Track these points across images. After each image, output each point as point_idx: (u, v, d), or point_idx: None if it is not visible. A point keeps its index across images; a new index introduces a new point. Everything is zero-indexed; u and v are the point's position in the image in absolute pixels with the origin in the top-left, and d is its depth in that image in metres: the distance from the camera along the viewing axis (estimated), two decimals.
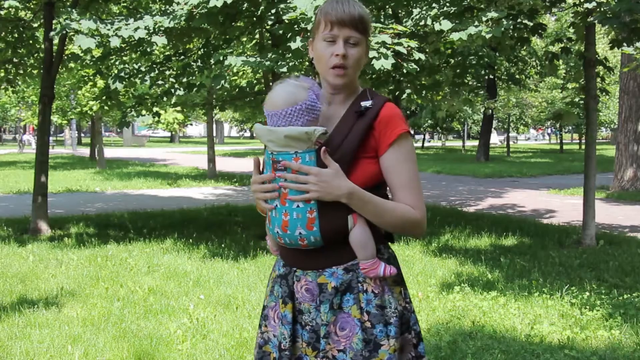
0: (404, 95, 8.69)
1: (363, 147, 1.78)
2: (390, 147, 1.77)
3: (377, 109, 1.79)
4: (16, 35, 9.07)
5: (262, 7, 6.53)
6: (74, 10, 6.76)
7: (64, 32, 6.41)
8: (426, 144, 47.42)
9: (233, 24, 7.17)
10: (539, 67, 20.13)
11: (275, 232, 1.80)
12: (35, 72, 9.96)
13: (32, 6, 8.72)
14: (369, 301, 1.78)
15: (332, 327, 1.77)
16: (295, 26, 5.99)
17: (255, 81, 11.60)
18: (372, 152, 1.79)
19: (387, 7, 7.18)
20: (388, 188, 1.84)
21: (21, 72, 10.05)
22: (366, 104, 1.79)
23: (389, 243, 1.92)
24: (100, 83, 10.10)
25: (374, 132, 1.78)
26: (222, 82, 6.42)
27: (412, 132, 1.84)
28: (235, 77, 11.81)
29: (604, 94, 7.61)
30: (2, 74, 9.85)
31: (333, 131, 1.80)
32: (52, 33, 6.71)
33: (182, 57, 7.99)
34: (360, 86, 1.91)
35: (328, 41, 1.78)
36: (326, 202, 1.72)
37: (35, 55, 9.65)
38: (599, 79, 7.61)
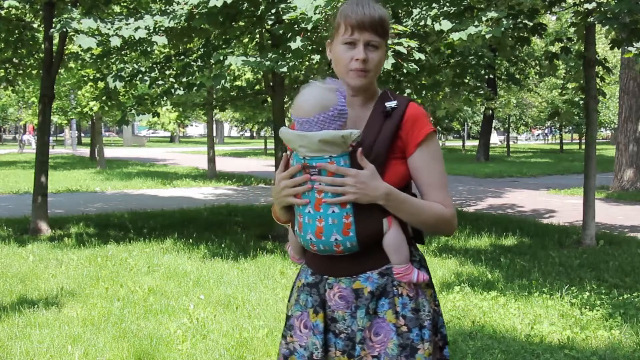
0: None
1: (391, 148, 1.76)
2: (419, 147, 1.76)
3: (402, 109, 1.77)
4: (17, 34, 9.06)
5: (262, 7, 6.52)
6: (74, 9, 6.76)
7: (64, 30, 6.41)
8: None
9: (233, 24, 7.16)
10: (537, 68, 20.13)
11: (307, 239, 1.75)
12: (35, 72, 9.96)
13: (33, 6, 8.71)
14: (404, 305, 1.76)
15: (367, 333, 1.75)
16: (295, 26, 5.98)
17: (254, 81, 11.60)
18: (399, 153, 1.77)
19: (387, 7, 7.18)
20: (416, 188, 1.84)
21: (21, 72, 10.05)
22: (391, 104, 1.77)
23: (418, 245, 1.92)
24: (101, 84, 10.10)
25: (401, 133, 1.77)
26: (222, 82, 6.41)
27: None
28: (237, 81, 11.81)
29: (600, 95, 7.61)
30: (2, 74, 9.86)
31: (363, 133, 1.77)
32: (52, 30, 6.71)
33: (182, 57, 7.99)
34: (379, 88, 1.89)
35: (348, 44, 1.76)
36: (362, 206, 1.69)
37: (35, 55, 9.65)
38: (598, 80, 7.61)
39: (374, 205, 1.70)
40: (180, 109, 14.65)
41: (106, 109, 9.36)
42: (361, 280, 1.76)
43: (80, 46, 6.45)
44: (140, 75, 7.36)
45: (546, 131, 57.97)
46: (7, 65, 9.74)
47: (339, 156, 1.68)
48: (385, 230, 1.73)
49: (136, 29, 6.24)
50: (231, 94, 10.40)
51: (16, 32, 9.06)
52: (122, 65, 7.78)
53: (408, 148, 1.77)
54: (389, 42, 5.88)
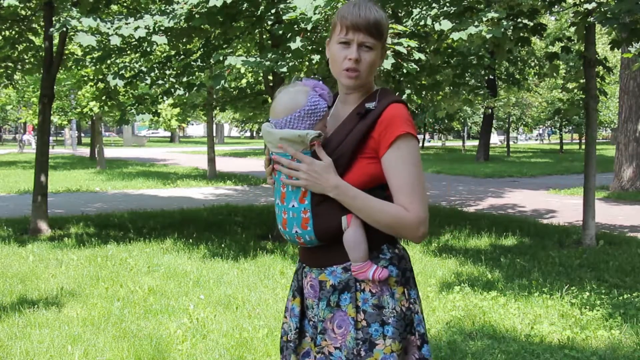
0: (404, 96, 8.68)
1: (361, 148, 1.79)
2: (390, 148, 1.77)
3: (379, 112, 1.79)
4: (16, 29, 9.05)
5: (262, 7, 6.52)
6: (74, 8, 6.76)
7: (64, 29, 6.40)
8: (426, 144, 47.45)
9: (233, 24, 7.16)
10: (536, 69, 20.15)
11: (279, 228, 1.90)
12: (34, 70, 9.96)
13: (32, 5, 8.71)
14: (365, 300, 1.80)
15: (328, 324, 1.82)
16: (295, 26, 5.98)
17: (255, 82, 11.60)
18: (372, 153, 1.79)
19: (387, 7, 7.18)
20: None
21: (19, 68, 10.06)
22: (370, 105, 1.80)
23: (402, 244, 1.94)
24: (101, 84, 10.12)
25: (374, 133, 1.78)
26: (222, 82, 6.41)
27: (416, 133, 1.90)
28: (240, 81, 11.79)
29: (602, 94, 7.61)
30: (1, 71, 9.86)
31: (333, 132, 1.84)
32: (52, 29, 6.71)
33: (182, 57, 7.98)
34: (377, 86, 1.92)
35: (343, 44, 1.81)
36: (320, 202, 1.79)
37: (34, 54, 9.65)
38: (598, 79, 7.60)
39: (333, 203, 1.78)
40: (183, 109, 14.65)
41: (106, 108, 9.36)
42: (326, 273, 1.85)
43: (80, 44, 6.44)
44: (141, 75, 7.35)
45: (541, 131, 57.77)
46: (7, 63, 9.74)
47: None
48: (344, 228, 1.79)
49: (136, 29, 6.24)
50: (231, 94, 10.39)
51: (16, 28, 9.05)
52: (122, 64, 7.77)
53: (380, 149, 1.78)
54: (389, 42, 5.90)
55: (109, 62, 8.18)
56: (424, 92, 9.06)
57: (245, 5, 6.66)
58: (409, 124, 1.79)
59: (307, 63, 8.02)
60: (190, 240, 7.71)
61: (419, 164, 1.81)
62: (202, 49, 7.82)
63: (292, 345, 1.88)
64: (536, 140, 61.84)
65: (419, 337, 1.86)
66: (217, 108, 11.38)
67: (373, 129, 1.78)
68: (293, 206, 1.81)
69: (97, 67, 7.93)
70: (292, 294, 1.94)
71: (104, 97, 9.16)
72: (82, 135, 52.90)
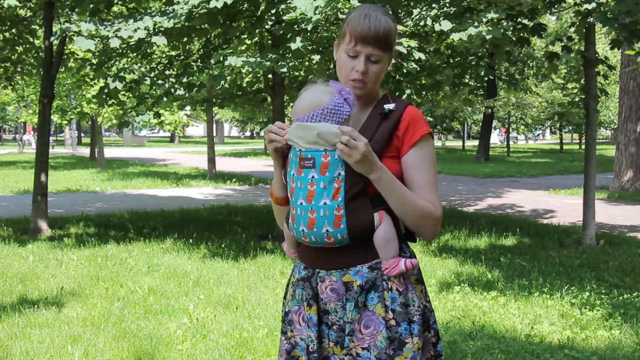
0: (404, 96, 8.67)
1: (387, 147, 1.82)
2: (414, 147, 1.81)
3: (400, 111, 1.83)
4: (14, 31, 9.05)
5: (262, 7, 6.52)
6: (73, 13, 6.76)
7: (64, 34, 6.40)
8: None
9: (233, 24, 7.16)
10: (535, 69, 20.22)
11: (300, 230, 1.80)
12: (34, 71, 9.96)
13: (32, 5, 8.71)
14: (393, 299, 1.79)
15: (356, 325, 1.79)
16: (295, 26, 5.98)
17: (254, 80, 11.58)
18: (394, 152, 1.83)
19: (387, 7, 7.18)
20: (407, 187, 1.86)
21: (19, 69, 10.05)
22: (389, 106, 1.83)
23: (410, 243, 1.94)
24: (100, 82, 10.12)
25: (398, 133, 1.82)
26: (222, 82, 6.41)
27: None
28: (245, 79, 11.76)
29: (603, 94, 7.61)
30: (1, 71, 9.86)
31: (359, 132, 1.82)
32: (52, 37, 6.71)
33: (183, 57, 7.98)
34: (381, 91, 1.94)
35: (350, 55, 1.81)
36: (354, 199, 1.74)
37: (34, 53, 9.64)
38: (600, 78, 7.60)
39: (364, 199, 1.76)
40: (185, 108, 14.61)
41: (111, 122, 9.37)
42: (351, 274, 1.81)
43: (79, 48, 6.44)
44: (141, 77, 7.35)
45: (533, 134, 57.52)
46: (6, 64, 9.74)
47: (333, 150, 1.73)
48: (376, 225, 1.77)
49: (135, 30, 6.23)
50: (230, 91, 10.38)
51: (14, 29, 9.05)
52: (122, 66, 7.76)
53: (403, 147, 1.82)
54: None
55: (109, 63, 8.17)
56: (424, 92, 9.05)
57: (245, 5, 6.66)
58: (428, 125, 1.85)
59: (307, 63, 8.03)
60: (190, 240, 7.71)
61: (435, 164, 1.87)
62: (202, 49, 7.81)
63: (316, 355, 1.82)
64: (535, 140, 61.74)
65: (434, 335, 1.89)
66: (217, 105, 11.37)
67: (397, 128, 1.82)
68: (325, 204, 1.74)
69: (96, 72, 7.93)
70: (307, 303, 1.85)
71: (104, 96, 9.14)
72: (82, 135, 52.90)
